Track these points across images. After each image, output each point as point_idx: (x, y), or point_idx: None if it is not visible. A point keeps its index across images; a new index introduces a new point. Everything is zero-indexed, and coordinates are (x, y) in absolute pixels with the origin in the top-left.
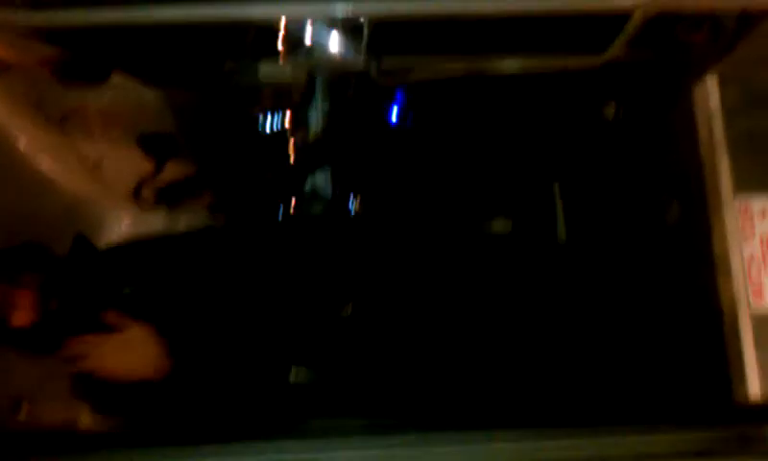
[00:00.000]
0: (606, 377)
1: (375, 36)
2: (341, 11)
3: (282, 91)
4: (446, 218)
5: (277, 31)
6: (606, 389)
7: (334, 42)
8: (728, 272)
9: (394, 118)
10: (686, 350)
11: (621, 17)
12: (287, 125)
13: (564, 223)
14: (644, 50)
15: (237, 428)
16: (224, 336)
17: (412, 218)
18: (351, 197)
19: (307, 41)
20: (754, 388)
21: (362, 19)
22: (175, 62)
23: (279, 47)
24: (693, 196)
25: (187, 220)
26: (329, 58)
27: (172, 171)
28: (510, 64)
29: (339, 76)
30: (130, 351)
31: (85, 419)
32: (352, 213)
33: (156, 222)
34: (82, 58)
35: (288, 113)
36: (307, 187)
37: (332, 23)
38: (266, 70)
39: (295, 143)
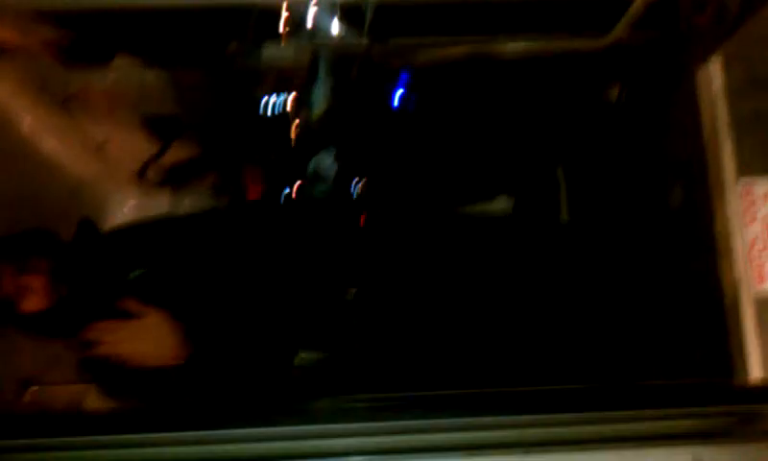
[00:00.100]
0: (608, 359)
1: (378, 17)
2: None
3: (286, 73)
4: (449, 199)
5: (280, 13)
6: (608, 370)
7: (337, 25)
8: (730, 255)
9: (397, 100)
10: (688, 332)
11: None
12: (290, 107)
13: (566, 204)
14: (648, 32)
15: (240, 412)
16: (236, 320)
17: (415, 199)
18: (355, 179)
19: (310, 23)
20: (755, 370)
21: (365, 1)
22: (178, 44)
23: (282, 29)
24: (696, 179)
25: (192, 202)
26: (332, 40)
27: (176, 153)
28: (513, 47)
29: (342, 58)
30: (147, 338)
31: (93, 401)
32: (355, 195)
33: (160, 203)
34: (85, 40)
35: (291, 95)
36: (310, 169)
37: (335, 5)
38: (269, 52)
39: (298, 125)
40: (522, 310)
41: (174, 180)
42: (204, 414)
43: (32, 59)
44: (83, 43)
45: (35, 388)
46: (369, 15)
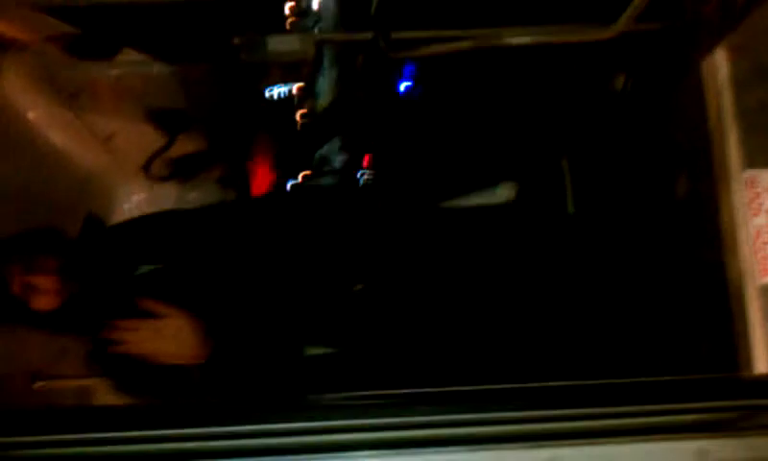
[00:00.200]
0: (613, 351)
1: (384, 7)
2: None
3: (291, 64)
4: (455, 188)
5: (286, 2)
6: (612, 362)
7: (343, 14)
8: (735, 246)
9: (402, 90)
10: (693, 323)
11: None
12: (296, 97)
13: (572, 195)
14: (653, 22)
15: (248, 408)
16: (249, 316)
17: (421, 189)
18: (361, 168)
19: (316, 13)
20: (760, 361)
21: None
22: (183, 37)
23: (288, 19)
24: (701, 170)
25: (198, 194)
26: (338, 30)
27: (182, 145)
28: (519, 38)
29: (348, 48)
30: (170, 338)
31: (103, 396)
32: (361, 184)
33: (167, 196)
34: (92, 34)
35: (297, 86)
36: (317, 159)
37: None
38: (275, 43)
39: (304, 115)
40: (527, 302)
41: (180, 173)
42: (212, 410)
43: (39, 53)
44: (89, 38)
45: (42, 382)
46: (375, 5)
